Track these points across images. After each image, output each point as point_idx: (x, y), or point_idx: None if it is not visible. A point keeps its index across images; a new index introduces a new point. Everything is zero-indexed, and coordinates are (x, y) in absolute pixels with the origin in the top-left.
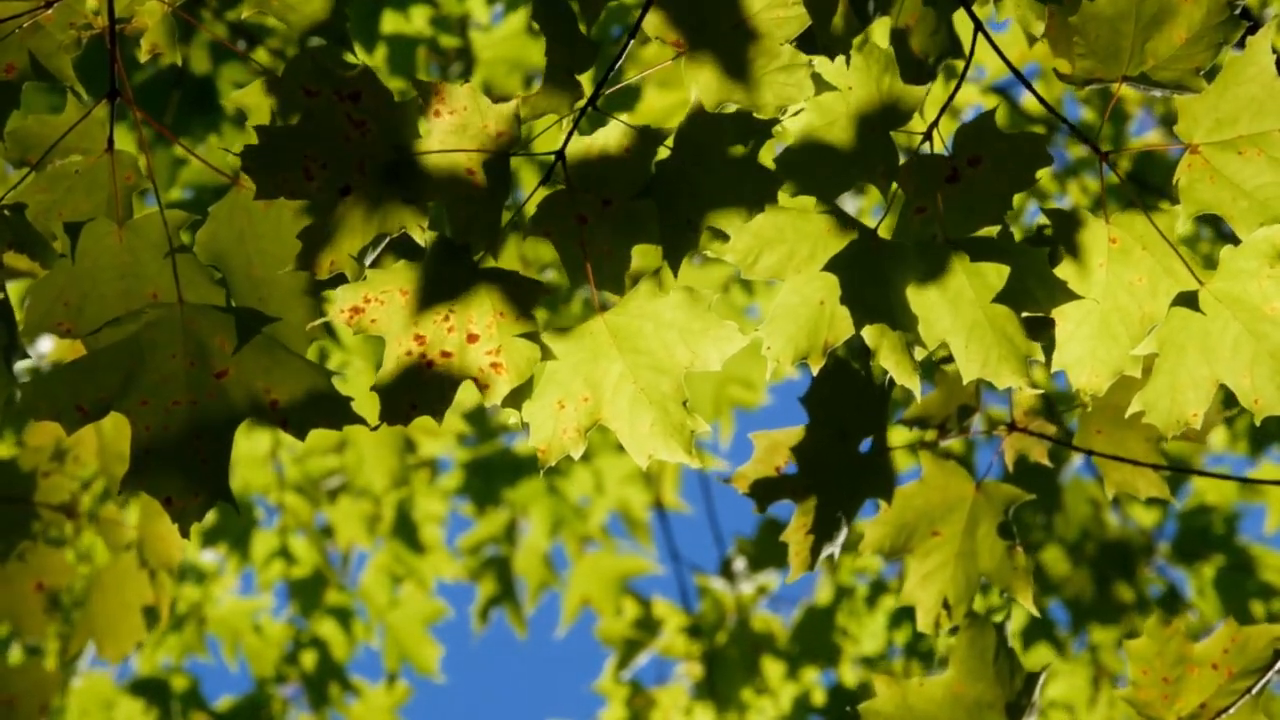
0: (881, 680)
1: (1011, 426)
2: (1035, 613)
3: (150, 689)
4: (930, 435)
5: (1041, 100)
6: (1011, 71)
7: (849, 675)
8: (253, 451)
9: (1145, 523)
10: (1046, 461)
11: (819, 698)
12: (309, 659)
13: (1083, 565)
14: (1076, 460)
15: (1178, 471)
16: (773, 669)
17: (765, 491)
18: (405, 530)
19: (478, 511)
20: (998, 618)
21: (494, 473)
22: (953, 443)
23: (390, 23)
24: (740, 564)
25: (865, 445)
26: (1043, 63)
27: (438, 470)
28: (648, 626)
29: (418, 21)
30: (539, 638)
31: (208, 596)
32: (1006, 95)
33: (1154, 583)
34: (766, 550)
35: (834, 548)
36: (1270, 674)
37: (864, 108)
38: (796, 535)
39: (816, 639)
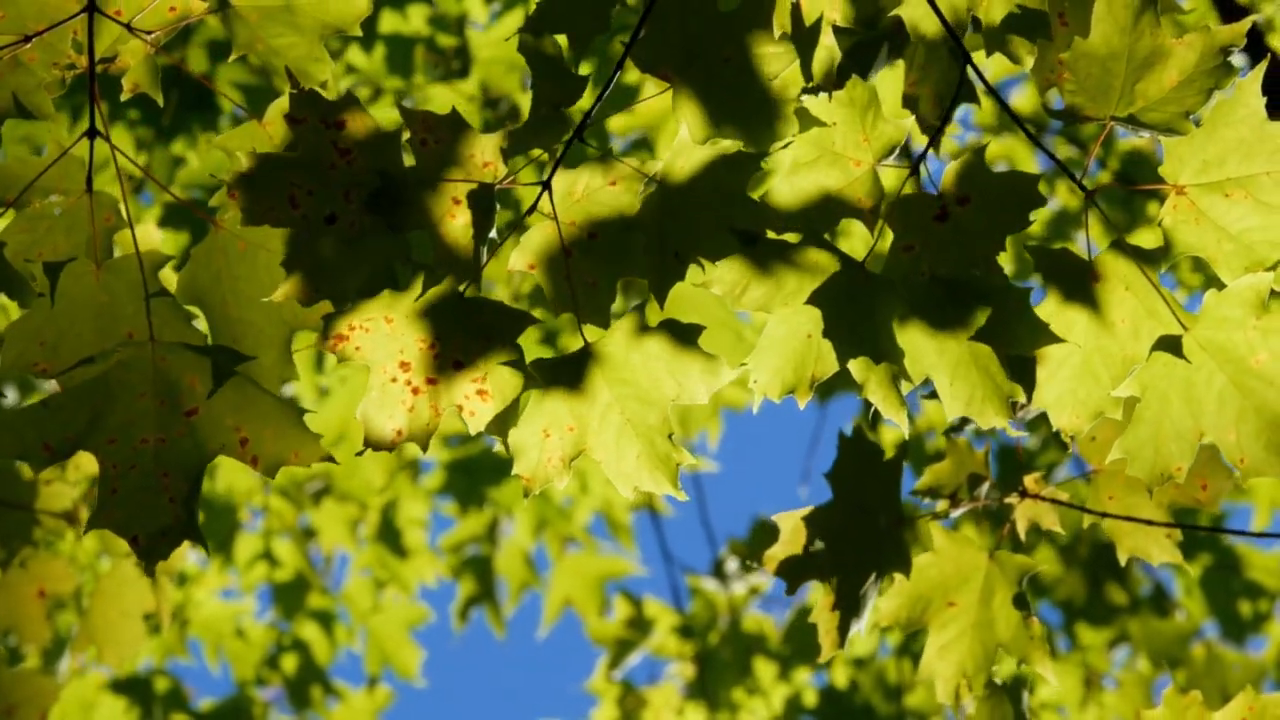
0: None
1: (1023, 494)
2: (1054, 683)
3: (132, 689)
4: (942, 506)
5: (1034, 139)
6: (1010, 117)
7: (840, 676)
8: None
9: None
10: (1059, 529)
11: (810, 699)
12: (291, 662)
13: (1074, 567)
14: (1066, 464)
15: (1191, 530)
16: (764, 669)
17: (794, 572)
18: (388, 535)
19: (460, 511)
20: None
21: (478, 472)
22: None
23: (388, 22)
24: (732, 565)
25: (883, 518)
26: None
27: (420, 470)
28: (639, 626)
29: (415, 21)
30: (526, 639)
31: (190, 599)
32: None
33: (1143, 582)
34: (759, 551)
35: (861, 623)
36: None
37: (849, 143)
38: (824, 614)
39: (808, 640)
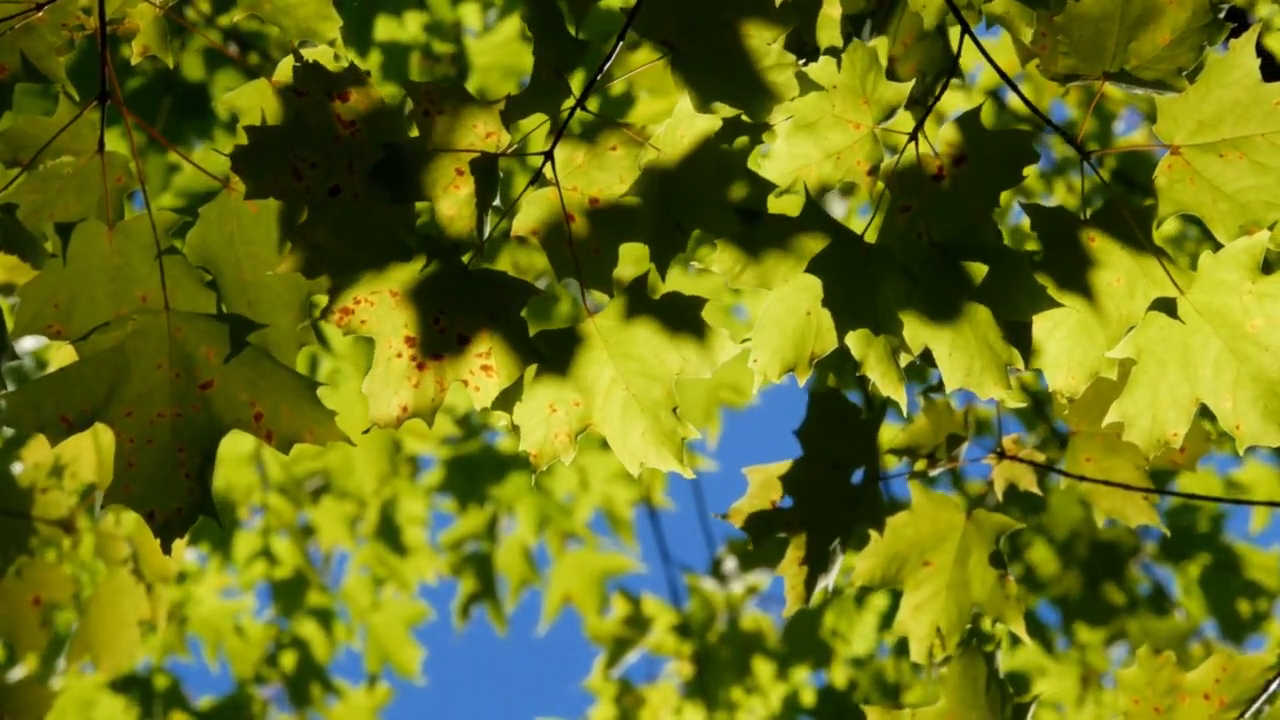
0: (874, 711)
1: (1001, 454)
2: (1028, 641)
3: (132, 688)
4: (920, 465)
5: (1024, 99)
6: (996, 71)
7: (839, 675)
8: (236, 451)
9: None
10: (1036, 490)
11: (809, 698)
12: (290, 660)
13: (1072, 565)
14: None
15: (1167, 495)
16: (763, 668)
17: (761, 526)
18: (388, 532)
19: (459, 508)
20: (989, 647)
21: (478, 469)
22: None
23: (384, 29)
24: (730, 564)
25: (857, 476)
26: (1028, 70)
27: (419, 468)
28: (638, 624)
29: (412, 28)
30: (525, 637)
31: (189, 596)
32: (995, 98)
33: (1141, 581)
34: (757, 550)
35: (829, 579)
36: (1260, 703)
37: (849, 106)
38: (791, 569)
39: (807, 639)
